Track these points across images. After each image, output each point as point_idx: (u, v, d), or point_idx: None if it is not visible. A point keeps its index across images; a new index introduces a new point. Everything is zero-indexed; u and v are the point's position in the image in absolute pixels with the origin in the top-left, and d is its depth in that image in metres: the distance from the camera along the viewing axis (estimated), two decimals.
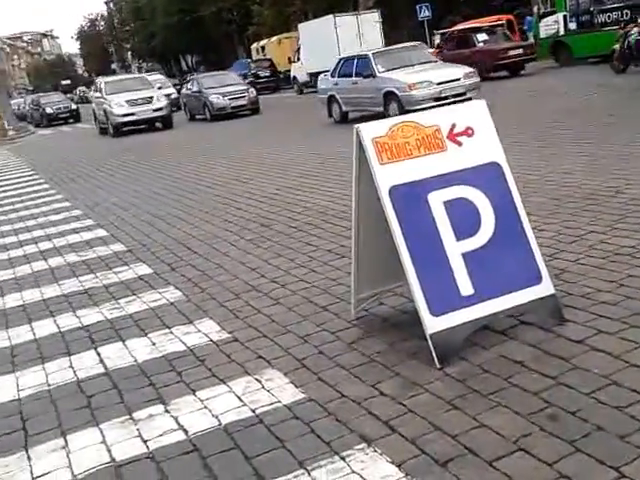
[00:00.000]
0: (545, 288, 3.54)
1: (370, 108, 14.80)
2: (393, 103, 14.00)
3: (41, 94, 46.69)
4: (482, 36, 22.06)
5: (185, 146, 16.57)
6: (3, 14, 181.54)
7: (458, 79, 14.07)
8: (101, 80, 25.29)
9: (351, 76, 15.48)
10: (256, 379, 3.45)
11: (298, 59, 31.81)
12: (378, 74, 14.60)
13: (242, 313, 4.46)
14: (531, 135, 9.65)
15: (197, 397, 3.36)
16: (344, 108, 15.85)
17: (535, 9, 22.90)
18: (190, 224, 7.48)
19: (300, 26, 32.45)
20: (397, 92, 13.88)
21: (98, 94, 23.96)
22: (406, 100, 13.56)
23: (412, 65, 14.93)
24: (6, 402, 3.72)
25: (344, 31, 27.62)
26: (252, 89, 24.27)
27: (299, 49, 31.92)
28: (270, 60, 37.57)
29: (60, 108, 37.64)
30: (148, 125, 22.69)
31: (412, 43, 17.82)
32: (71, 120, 36.76)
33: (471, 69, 14.84)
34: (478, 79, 14.72)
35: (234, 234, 6.69)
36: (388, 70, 14.63)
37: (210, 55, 52.07)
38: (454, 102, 11.89)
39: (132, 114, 21.85)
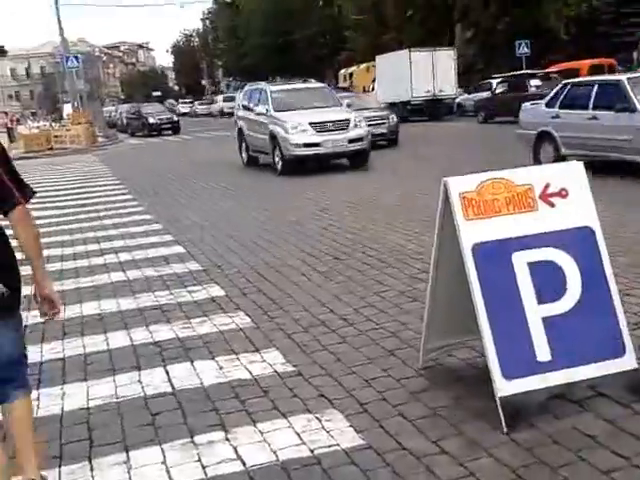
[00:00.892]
0: (627, 362, 3.46)
1: (614, 154, 10.80)
2: None
3: (144, 103, 48.11)
4: (535, 82, 22.18)
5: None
6: (104, 24, 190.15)
7: None
8: (264, 88, 16.29)
9: (586, 108, 11.28)
10: (317, 418, 3.51)
11: (373, 89, 32.38)
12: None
13: (308, 348, 4.52)
14: (618, 190, 9.42)
15: (257, 429, 3.45)
16: (563, 150, 11.64)
17: (635, 54, 22.66)
18: (264, 250, 7.62)
19: (378, 58, 32.98)
20: None
21: (255, 108, 16.00)
22: None
23: None
24: (76, 409, 3.89)
25: (418, 66, 28.17)
26: (393, 115, 19.71)
27: (374, 80, 32.79)
28: (346, 88, 38.37)
29: (162, 119, 37.76)
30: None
31: None
32: (170, 132, 36.99)
33: None
34: None
35: (307, 264, 6.80)
36: None
37: (298, 78, 53.16)
38: None
39: (318, 144, 14.13)
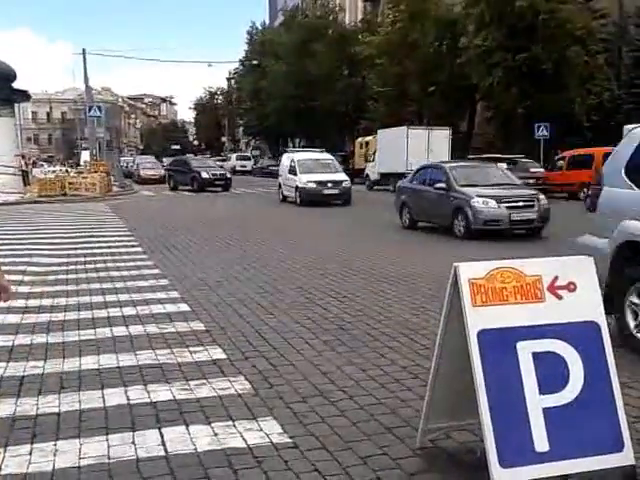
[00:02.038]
0: (625, 457, 3.47)
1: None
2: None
3: (189, 155, 48.32)
4: (502, 166, 22.94)
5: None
6: (130, 75, 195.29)
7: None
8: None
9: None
10: None
11: (373, 160, 36.08)
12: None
13: (306, 419, 4.53)
14: None
15: None
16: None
17: None
18: (269, 313, 7.66)
19: (379, 131, 36.15)
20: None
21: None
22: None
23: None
24: (67, 468, 3.90)
25: (414, 142, 31.35)
26: (542, 196, 15.92)
27: (375, 151, 36.00)
28: (345, 156, 42.01)
29: (216, 175, 36.04)
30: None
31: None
32: (220, 189, 35.26)
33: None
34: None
35: (310, 331, 6.83)
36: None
37: (316, 141, 53.89)
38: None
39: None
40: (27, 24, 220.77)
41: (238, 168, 62.85)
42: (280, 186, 27.57)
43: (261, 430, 4.34)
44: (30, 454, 4.08)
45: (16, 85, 29.40)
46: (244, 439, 4.21)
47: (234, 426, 4.42)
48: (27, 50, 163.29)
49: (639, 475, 3.55)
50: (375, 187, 35.10)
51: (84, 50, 40.52)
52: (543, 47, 31.34)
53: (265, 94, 61.72)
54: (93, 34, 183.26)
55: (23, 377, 5.54)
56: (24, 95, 31.68)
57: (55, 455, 4.07)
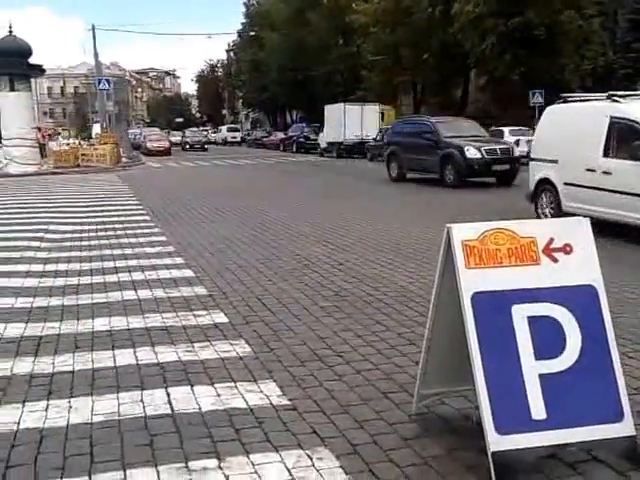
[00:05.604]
0: (625, 427, 3.25)
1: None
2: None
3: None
4: None
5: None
6: (136, 50, 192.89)
7: None
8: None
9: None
10: (307, 455, 3.47)
11: (322, 131, 39.61)
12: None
13: (304, 382, 4.50)
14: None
15: (250, 460, 3.42)
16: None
17: None
18: (269, 280, 7.62)
19: (326, 107, 38.62)
20: None
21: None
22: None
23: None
24: (80, 423, 3.88)
25: (350, 116, 35.21)
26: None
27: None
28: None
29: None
30: None
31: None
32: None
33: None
34: None
35: (309, 298, 6.78)
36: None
37: (313, 113, 53.26)
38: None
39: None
40: (41, 3, 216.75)
41: (229, 139, 63.41)
42: None
43: (261, 392, 4.32)
44: (46, 410, 4.07)
45: (31, 61, 28.94)
46: (245, 400, 4.19)
47: (236, 387, 4.40)
48: (41, 27, 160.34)
49: None
50: (325, 155, 37.60)
51: (93, 26, 40.00)
52: (536, 12, 30.25)
53: (263, 66, 60.73)
54: (102, 10, 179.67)
55: (40, 337, 5.53)
56: (39, 70, 31.23)
57: (69, 412, 4.06)
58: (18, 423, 3.90)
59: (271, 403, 4.15)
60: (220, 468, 3.34)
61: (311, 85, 53.77)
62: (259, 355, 5.05)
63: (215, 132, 70.24)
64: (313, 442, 3.62)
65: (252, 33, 64.75)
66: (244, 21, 72.32)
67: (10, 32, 28.69)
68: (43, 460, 3.47)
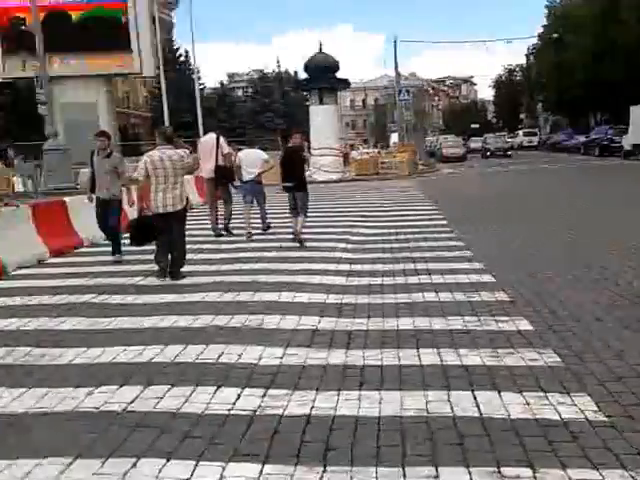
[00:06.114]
0: None
1: None
2: None
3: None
4: None
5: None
6: (433, 60, 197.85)
7: None
8: None
9: None
10: (632, 477, 3.16)
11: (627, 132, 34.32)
12: None
13: (622, 399, 4.11)
14: None
15: (567, 474, 3.22)
16: None
17: None
18: (572, 288, 7.17)
19: (631, 108, 33.42)
20: None
21: None
22: None
23: None
24: (391, 416, 4.02)
25: None
26: None
27: None
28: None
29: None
30: None
31: None
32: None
33: None
34: None
35: (622, 311, 6.20)
36: None
37: (618, 115, 48.95)
38: None
39: None
40: (347, 20, 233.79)
41: (525, 144, 61.39)
42: None
43: (574, 405, 4.05)
44: (359, 400, 4.29)
45: (338, 75, 31.42)
46: (557, 412, 3.96)
47: (546, 397, 4.19)
48: (345, 43, 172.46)
49: None
50: (630, 157, 33.17)
51: (395, 39, 41.82)
52: None
53: (565, 67, 57.70)
54: (403, 24, 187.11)
55: (350, 332, 5.87)
56: (345, 83, 33.73)
57: (380, 403, 4.23)
58: (335, 409, 4.17)
59: (586, 418, 3.86)
60: (534, 478, 3.20)
61: (619, 86, 49.60)
62: (570, 366, 4.75)
63: (512, 137, 68.75)
64: (637, 464, 3.28)
65: (555, 35, 61.95)
66: (545, 24, 69.69)
67: (320, 50, 31.46)
68: (359, 447, 3.66)
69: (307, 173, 12.37)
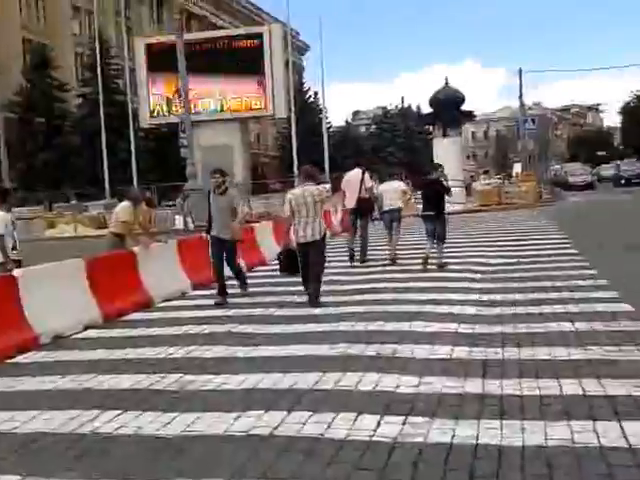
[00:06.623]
0: None
1: None
2: None
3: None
4: None
5: None
6: (558, 88, 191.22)
7: None
8: None
9: None
10: None
11: None
12: None
13: None
14: None
15: None
16: None
17: None
18: None
19: None
20: None
21: None
22: None
23: None
24: (535, 445, 3.93)
25: None
26: None
27: None
28: None
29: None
30: None
31: None
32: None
33: None
34: None
35: None
36: None
37: None
38: None
39: None
40: (473, 56, 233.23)
41: None
42: None
43: None
44: (501, 429, 4.21)
45: (463, 108, 31.48)
46: None
47: None
48: (471, 77, 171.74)
49: None
50: None
51: (520, 70, 41.14)
52: None
53: None
54: (524, 56, 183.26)
55: (485, 361, 5.78)
56: (470, 116, 33.73)
57: (523, 433, 4.13)
58: (477, 438, 4.13)
59: None
60: None
61: None
62: None
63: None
64: None
65: None
66: None
67: (446, 83, 31.75)
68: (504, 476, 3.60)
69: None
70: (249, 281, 10.65)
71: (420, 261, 11.72)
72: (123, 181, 39.02)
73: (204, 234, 10.43)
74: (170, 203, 34.06)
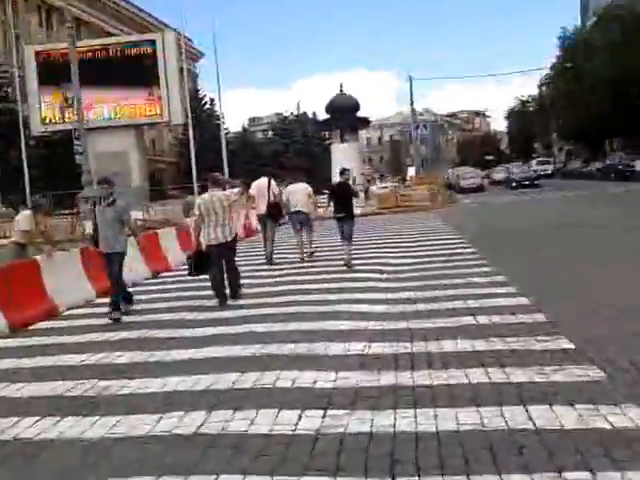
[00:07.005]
0: None
1: None
2: None
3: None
4: None
5: None
6: (446, 95, 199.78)
7: None
8: None
9: None
10: None
11: None
12: None
13: None
14: None
15: (626, 477, 3.34)
16: None
17: None
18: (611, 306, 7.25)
19: None
20: None
21: None
22: None
23: None
24: (449, 431, 4.15)
25: None
26: None
27: None
28: None
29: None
30: None
31: None
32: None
33: None
34: None
35: None
36: None
37: (635, 140, 48.65)
38: None
39: None
40: (361, 64, 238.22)
41: (540, 173, 61.22)
42: None
43: (625, 415, 4.16)
44: (415, 417, 4.41)
45: (358, 114, 32.11)
46: (609, 422, 4.07)
47: (597, 409, 4.30)
48: (361, 84, 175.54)
49: None
50: None
51: (410, 77, 42.51)
52: None
53: (579, 96, 57.43)
54: (413, 62, 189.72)
55: (397, 355, 6.00)
56: (365, 122, 34.45)
57: (436, 419, 4.35)
58: (394, 426, 4.31)
59: (637, 426, 3.97)
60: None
61: (635, 111, 49.33)
62: (615, 379, 4.84)
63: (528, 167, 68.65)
64: None
65: (568, 65, 61.98)
66: (558, 54, 69.84)
67: (341, 91, 32.27)
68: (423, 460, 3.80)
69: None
70: (155, 287, 10.57)
71: (341, 263, 12.23)
72: (15, 189, 37.45)
73: (91, 247, 9.82)
74: (66, 212, 32.73)
